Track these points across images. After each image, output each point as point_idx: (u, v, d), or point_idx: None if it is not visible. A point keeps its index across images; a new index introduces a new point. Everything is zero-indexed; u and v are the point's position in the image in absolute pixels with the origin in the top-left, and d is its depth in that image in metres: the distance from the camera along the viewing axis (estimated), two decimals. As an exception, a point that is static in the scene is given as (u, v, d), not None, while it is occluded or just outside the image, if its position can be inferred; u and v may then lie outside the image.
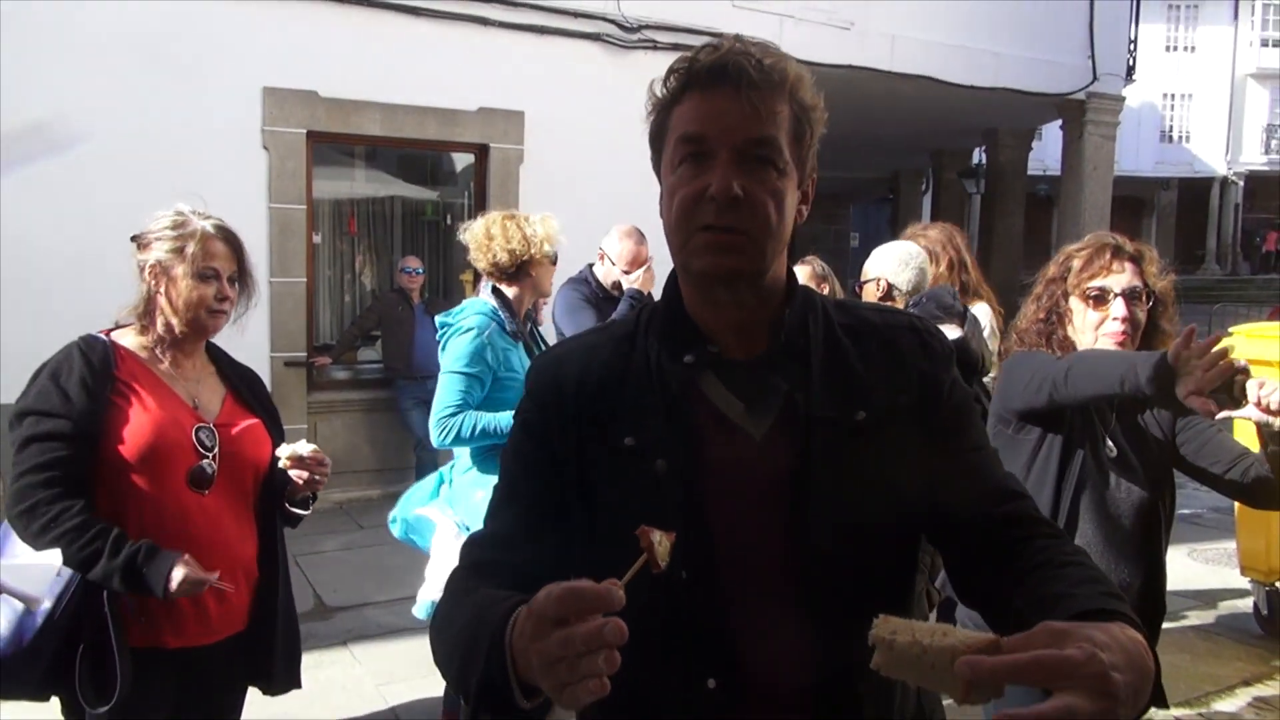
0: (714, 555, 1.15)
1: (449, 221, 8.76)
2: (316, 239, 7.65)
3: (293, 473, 2.21)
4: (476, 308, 3.28)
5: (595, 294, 4.23)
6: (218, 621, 2.14)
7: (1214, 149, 33.29)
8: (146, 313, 2.16)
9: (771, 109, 1.15)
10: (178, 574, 1.95)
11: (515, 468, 1.27)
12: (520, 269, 3.25)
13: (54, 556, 1.95)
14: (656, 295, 4.10)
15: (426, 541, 3.34)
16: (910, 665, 0.90)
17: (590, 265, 4.33)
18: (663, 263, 4.34)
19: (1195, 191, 33.21)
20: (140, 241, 2.17)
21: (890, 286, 3.28)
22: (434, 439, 3.12)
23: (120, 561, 1.94)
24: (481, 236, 3.24)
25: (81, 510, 1.96)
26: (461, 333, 3.18)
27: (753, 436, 1.19)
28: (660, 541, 1.02)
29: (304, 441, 2.25)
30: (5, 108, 5.89)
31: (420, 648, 4.49)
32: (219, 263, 2.16)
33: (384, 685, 4.22)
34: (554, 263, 3.43)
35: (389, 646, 4.65)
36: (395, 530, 3.48)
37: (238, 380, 2.32)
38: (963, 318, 3.19)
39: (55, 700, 2.10)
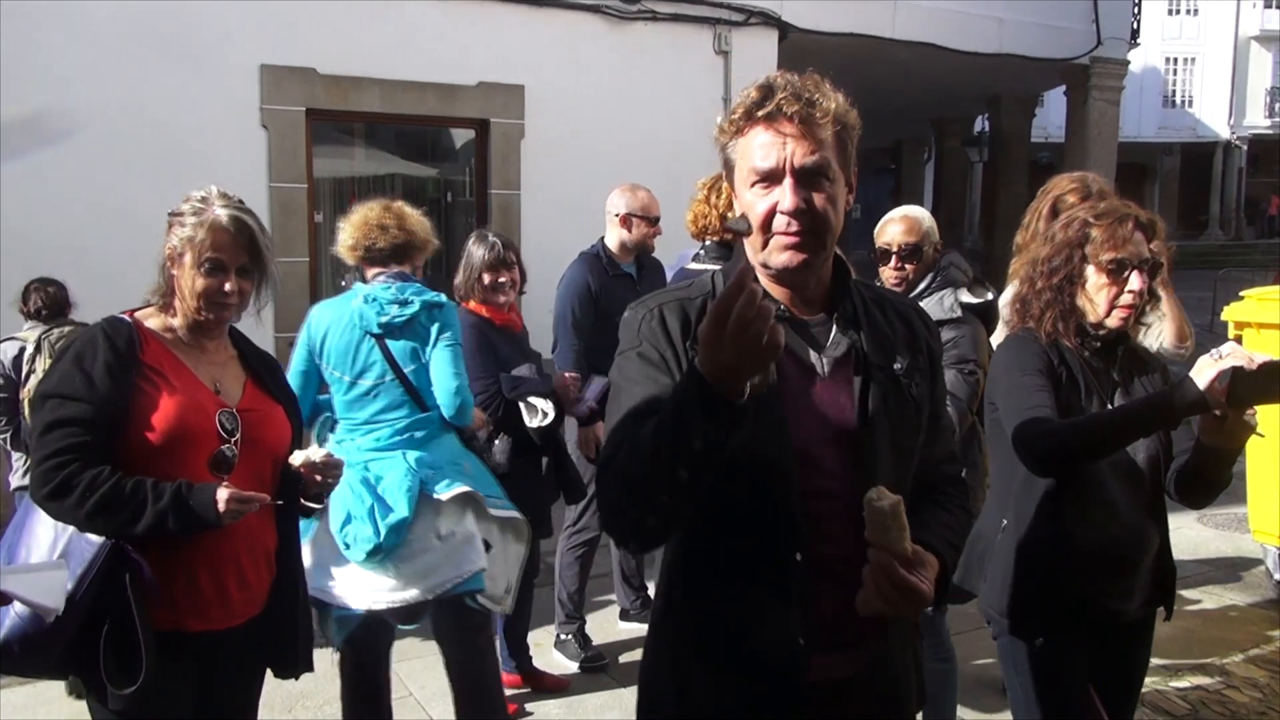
0: (797, 462, 1.50)
1: (450, 199, 8.70)
2: (318, 218, 7.59)
3: (305, 475, 2.20)
4: None
5: (607, 270, 4.20)
6: (239, 605, 2.13)
7: (1217, 113, 33.03)
8: (168, 293, 2.14)
9: (820, 137, 1.49)
10: (222, 495, 1.95)
11: (640, 388, 1.52)
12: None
13: (60, 569, 1.94)
14: (662, 256, 4.00)
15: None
16: (873, 527, 1.39)
17: (602, 239, 4.30)
18: (670, 226, 4.32)
19: (1198, 156, 32.98)
20: (169, 220, 2.15)
21: (937, 249, 3.17)
22: None
23: (166, 502, 1.93)
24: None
25: (111, 473, 1.95)
26: None
27: (821, 374, 1.57)
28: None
29: (316, 446, 2.24)
30: (2, 87, 5.85)
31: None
32: (225, 255, 2.10)
33: (398, 663, 4.21)
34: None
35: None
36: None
37: (258, 365, 2.30)
38: (978, 280, 3.17)
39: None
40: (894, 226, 3.14)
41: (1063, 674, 2.26)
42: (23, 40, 6.00)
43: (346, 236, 3.20)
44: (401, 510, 2.94)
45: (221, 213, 2.11)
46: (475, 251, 3.65)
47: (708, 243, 3.85)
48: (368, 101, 7.22)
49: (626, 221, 4.21)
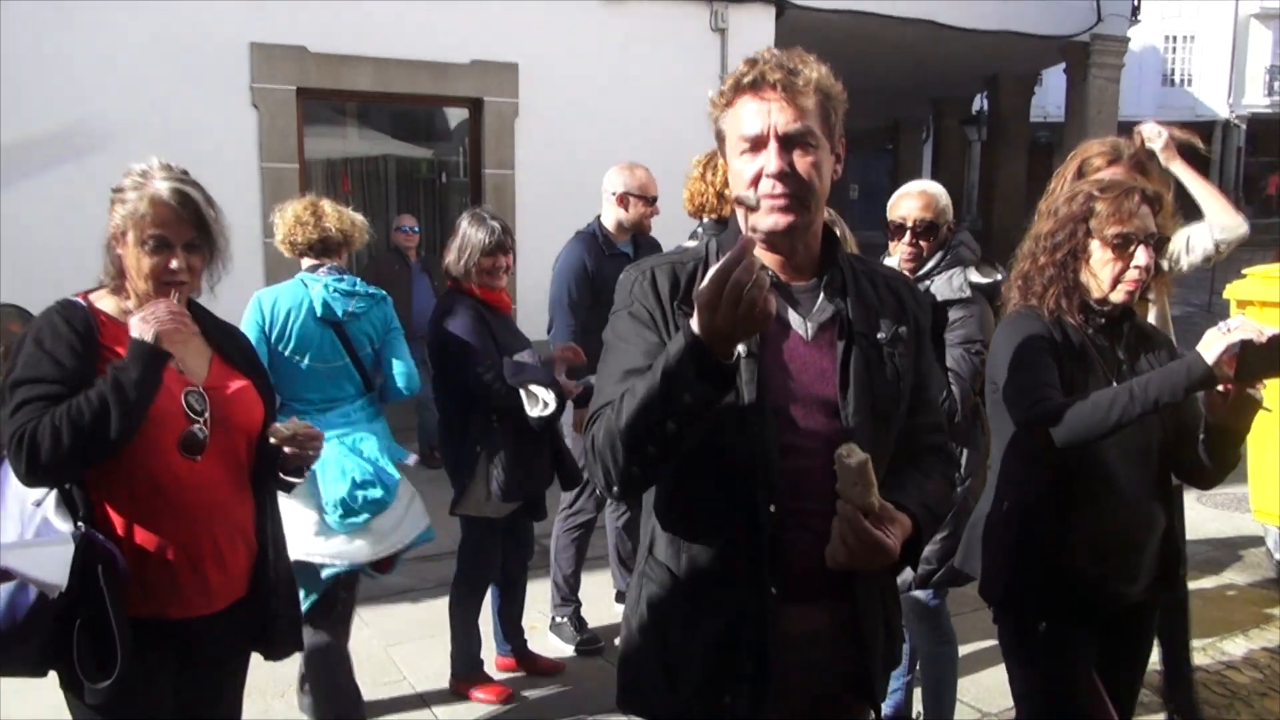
0: (775, 418, 1.58)
1: (444, 179, 8.63)
2: (310, 199, 7.53)
3: (287, 449, 2.14)
4: None
5: (603, 250, 4.13)
6: (219, 590, 2.07)
7: (1216, 92, 32.85)
8: (118, 274, 2.05)
9: (803, 106, 1.57)
10: (138, 329, 1.89)
11: (630, 345, 1.61)
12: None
13: (65, 543, 1.88)
14: (659, 235, 3.97)
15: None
16: (842, 482, 1.50)
17: (598, 217, 4.23)
18: (666, 205, 4.26)
19: (1197, 135, 32.80)
20: (111, 197, 2.05)
21: (951, 227, 3.10)
22: None
23: (112, 377, 1.87)
24: None
25: (59, 401, 1.88)
26: None
27: (805, 338, 1.65)
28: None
29: (294, 419, 2.17)
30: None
31: (427, 609, 4.47)
32: (169, 231, 1.99)
33: (392, 646, 4.19)
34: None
35: (396, 608, 4.62)
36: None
37: (223, 339, 2.22)
38: (986, 260, 3.10)
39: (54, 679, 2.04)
40: (910, 201, 3.03)
41: (1065, 658, 2.22)
42: (13, 21, 5.92)
43: (276, 231, 3.47)
44: (395, 473, 3.35)
45: (162, 186, 2.00)
46: (473, 234, 3.57)
47: (705, 220, 3.79)
48: (360, 80, 7.14)
49: (624, 200, 4.14)
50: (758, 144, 1.57)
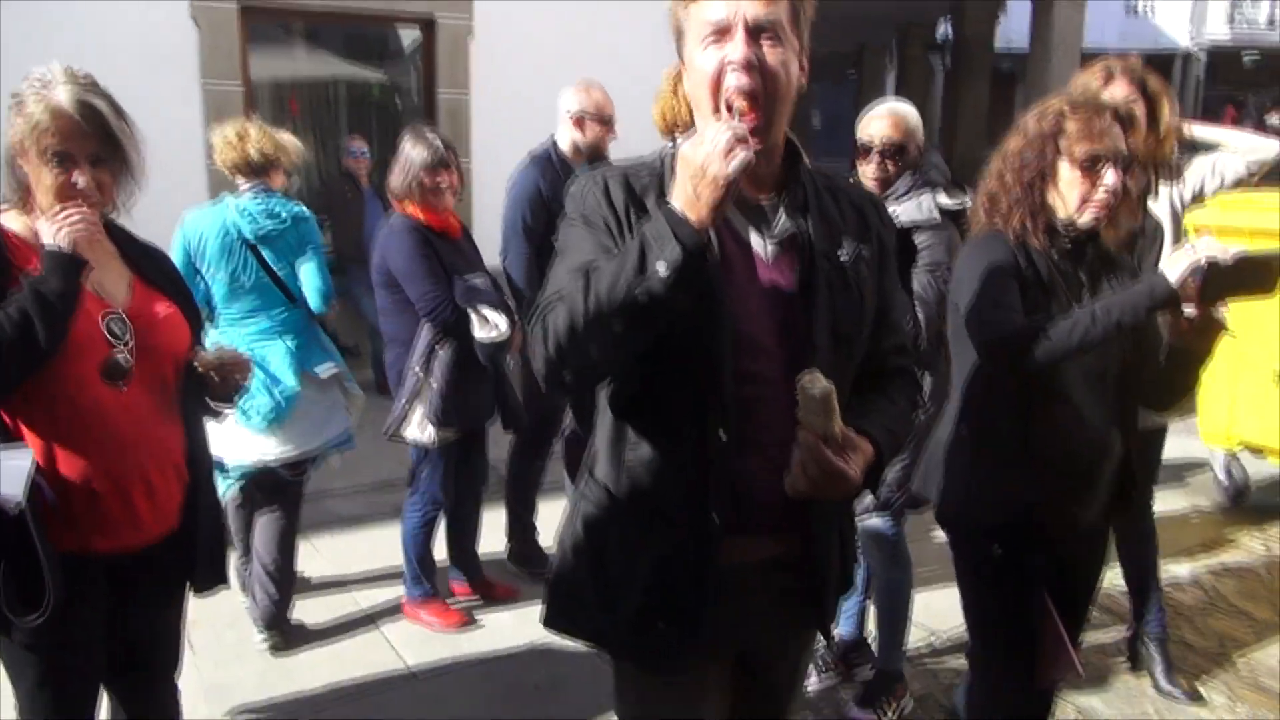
0: (729, 341, 1.50)
1: (399, 104, 8.37)
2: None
3: (214, 375, 2.05)
4: None
5: (559, 173, 3.99)
6: (149, 521, 1.99)
7: (1178, 21, 32.78)
8: (24, 190, 1.91)
9: None
10: (50, 236, 1.79)
11: (585, 243, 1.53)
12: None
13: (24, 455, 1.77)
14: (612, 153, 3.81)
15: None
16: (804, 410, 1.43)
17: (553, 138, 4.08)
18: (627, 128, 4.09)
19: (1158, 67, 32.02)
20: (11, 106, 1.88)
21: (920, 149, 3.01)
22: None
23: (31, 294, 1.76)
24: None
25: None
26: None
27: (764, 257, 1.58)
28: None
29: (220, 345, 2.09)
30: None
31: (381, 536, 4.43)
32: (71, 144, 1.83)
33: (356, 590, 4.14)
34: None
35: (349, 536, 4.57)
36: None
37: (143, 260, 2.09)
38: (955, 183, 3.04)
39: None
40: (879, 122, 2.94)
41: (1018, 582, 2.22)
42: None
43: (214, 150, 3.57)
44: (291, 383, 3.48)
45: (63, 94, 1.84)
46: (413, 152, 3.46)
47: (678, 139, 3.67)
48: (305, -4, 6.84)
49: (580, 122, 4.00)
50: (723, 31, 1.46)
